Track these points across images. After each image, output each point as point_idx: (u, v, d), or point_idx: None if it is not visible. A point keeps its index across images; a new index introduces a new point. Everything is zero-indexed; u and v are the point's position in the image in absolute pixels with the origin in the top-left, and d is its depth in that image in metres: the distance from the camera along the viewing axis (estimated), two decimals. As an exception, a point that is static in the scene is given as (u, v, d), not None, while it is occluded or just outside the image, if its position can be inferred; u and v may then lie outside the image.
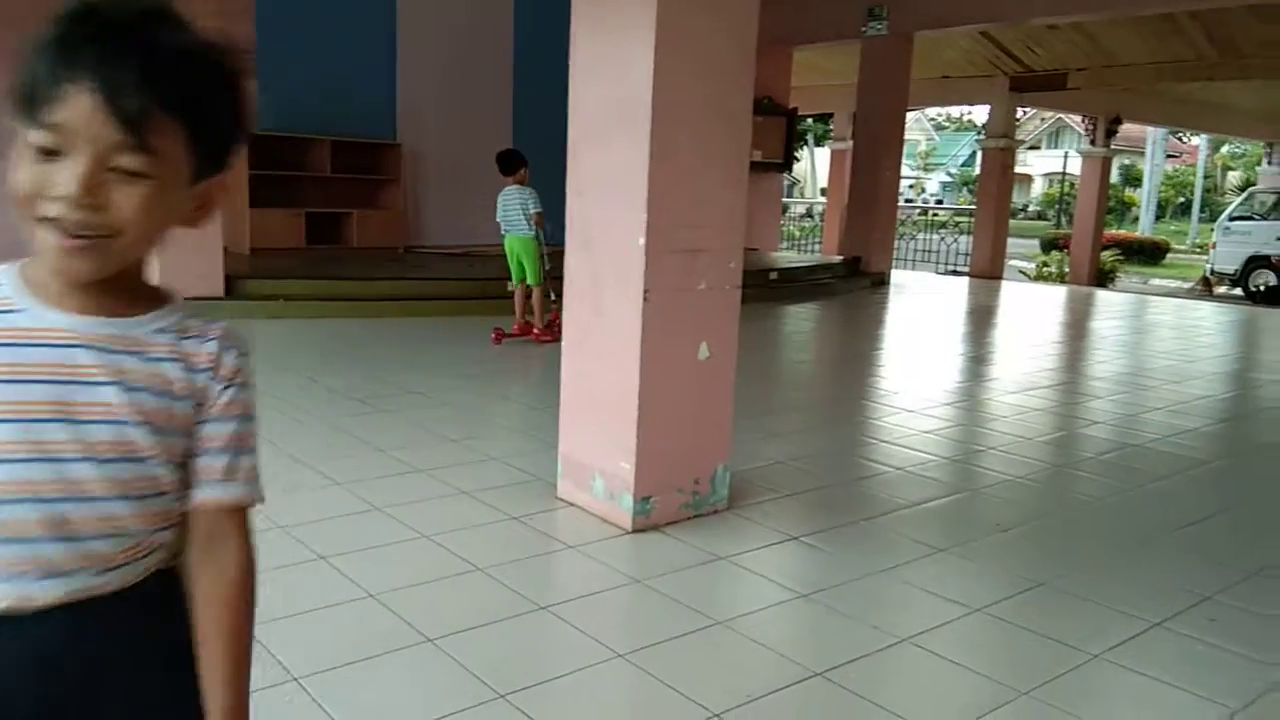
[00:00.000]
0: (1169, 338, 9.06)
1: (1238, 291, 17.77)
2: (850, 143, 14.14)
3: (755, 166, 12.65)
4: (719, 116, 3.22)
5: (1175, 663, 2.44)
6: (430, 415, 4.59)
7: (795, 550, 3.14)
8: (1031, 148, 39.96)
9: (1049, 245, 22.90)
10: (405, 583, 2.69)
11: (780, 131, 13.37)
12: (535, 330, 6.68)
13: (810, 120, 25.84)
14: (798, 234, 22.39)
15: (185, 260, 7.06)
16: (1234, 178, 37.32)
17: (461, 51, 10.98)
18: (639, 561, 2.98)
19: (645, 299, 3.13)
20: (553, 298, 6.67)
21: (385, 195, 10.62)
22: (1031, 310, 11.14)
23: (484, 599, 2.63)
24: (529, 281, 6.65)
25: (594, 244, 3.32)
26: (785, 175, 15.65)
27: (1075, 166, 25.19)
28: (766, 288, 10.01)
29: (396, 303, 7.81)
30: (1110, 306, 11.71)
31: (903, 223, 19.98)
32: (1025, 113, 21.60)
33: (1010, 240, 17.72)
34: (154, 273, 0.92)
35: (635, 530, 3.18)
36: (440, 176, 11.06)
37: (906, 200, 31.23)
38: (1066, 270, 18.25)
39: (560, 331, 7.09)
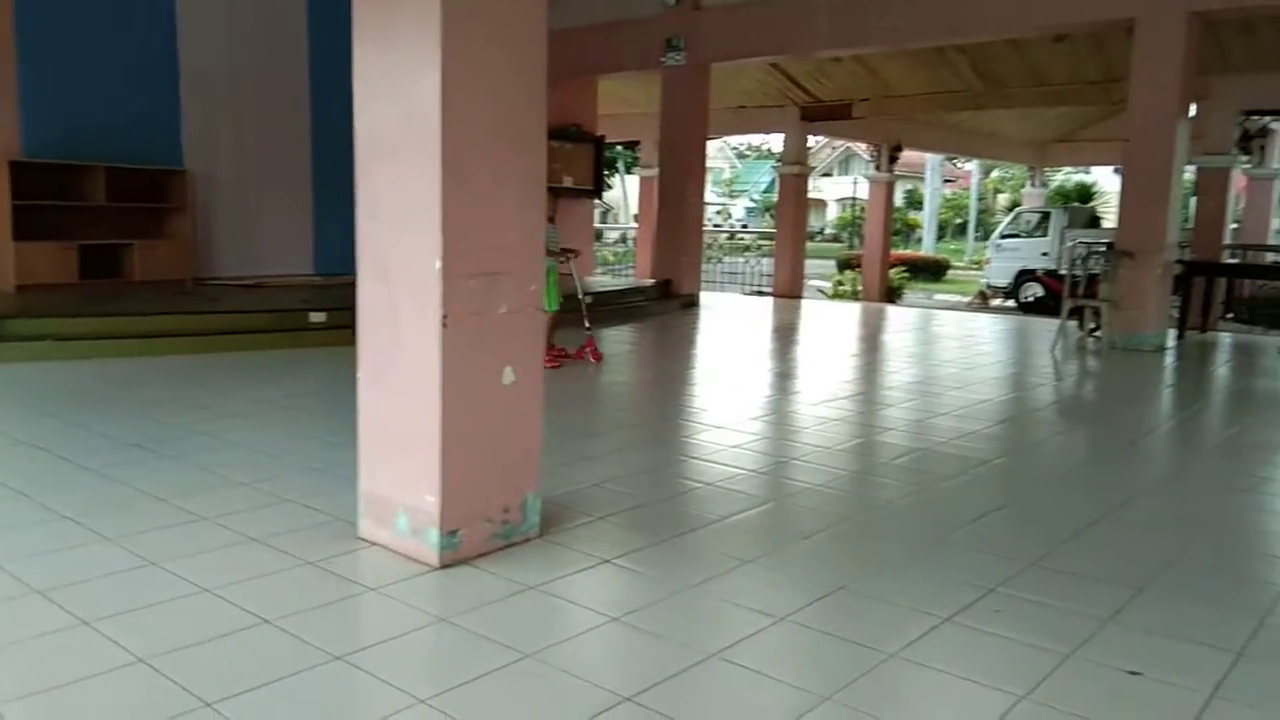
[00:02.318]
0: (952, 347, 9.74)
1: (1011, 303, 19.47)
2: (657, 169, 14.49)
3: (567, 192, 12.75)
4: (512, 137, 3.16)
5: (965, 655, 2.57)
6: (218, 458, 4.27)
7: (607, 573, 3.10)
8: (825, 174, 42.39)
9: (844, 265, 24.36)
10: (182, 643, 2.45)
11: (589, 158, 13.55)
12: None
13: (620, 148, 26.33)
14: (613, 259, 22.70)
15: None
16: (1003, 199, 40.92)
17: (253, 71, 10.44)
18: (445, 599, 2.85)
19: (444, 324, 3.02)
20: (586, 325, 7.65)
21: (171, 224, 9.92)
22: (829, 326, 11.72)
23: (272, 654, 2.43)
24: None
25: (388, 269, 3.18)
26: (597, 201, 15.82)
27: (864, 191, 26.87)
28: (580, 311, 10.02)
29: (183, 339, 7.27)
30: (900, 320, 12.49)
31: (710, 246, 20.67)
32: (818, 141, 22.82)
33: (809, 261, 18.68)
34: None
35: (443, 566, 3.05)
36: (233, 203, 10.45)
37: (714, 225, 32.31)
38: (860, 288, 19.41)
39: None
